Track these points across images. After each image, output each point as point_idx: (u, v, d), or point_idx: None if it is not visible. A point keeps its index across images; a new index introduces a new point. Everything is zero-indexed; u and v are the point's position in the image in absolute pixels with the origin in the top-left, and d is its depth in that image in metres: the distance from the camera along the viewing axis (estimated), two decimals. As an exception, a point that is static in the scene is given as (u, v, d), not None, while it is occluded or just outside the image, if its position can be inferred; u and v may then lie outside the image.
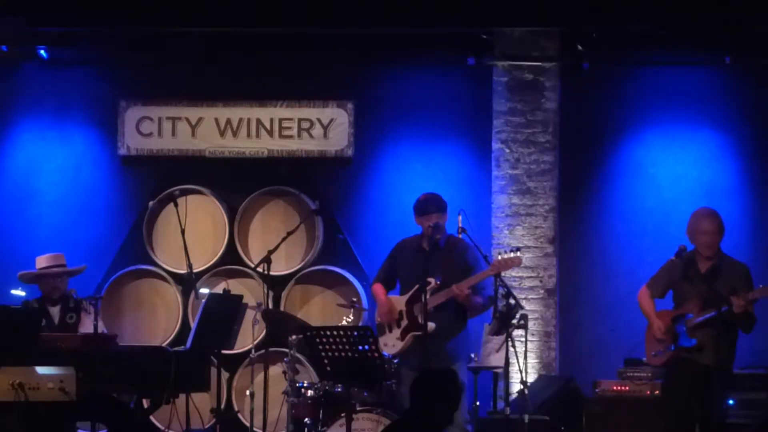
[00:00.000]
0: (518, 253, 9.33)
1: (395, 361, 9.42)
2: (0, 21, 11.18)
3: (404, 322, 9.23)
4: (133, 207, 12.02)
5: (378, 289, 9.52)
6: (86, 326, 10.06)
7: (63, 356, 8.57)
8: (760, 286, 9.23)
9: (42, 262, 10.33)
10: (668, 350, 9.26)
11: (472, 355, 10.46)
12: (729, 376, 9.31)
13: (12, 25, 11.23)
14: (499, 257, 9.26)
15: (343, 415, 9.25)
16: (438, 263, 9.17)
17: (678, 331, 9.21)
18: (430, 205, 9.32)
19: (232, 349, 10.06)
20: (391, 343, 9.10)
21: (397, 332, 9.24)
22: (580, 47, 11.52)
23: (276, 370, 10.64)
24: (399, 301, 9.31)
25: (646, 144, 11.74)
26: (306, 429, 9.81)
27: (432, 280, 9.09)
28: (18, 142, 12.11)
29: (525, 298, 11.32)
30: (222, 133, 11.98)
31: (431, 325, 9.03)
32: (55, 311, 10.15)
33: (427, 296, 8.99)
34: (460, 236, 9.88)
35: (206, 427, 10.36)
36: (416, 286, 9.16)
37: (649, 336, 9.42)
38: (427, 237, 9.27)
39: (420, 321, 9.10)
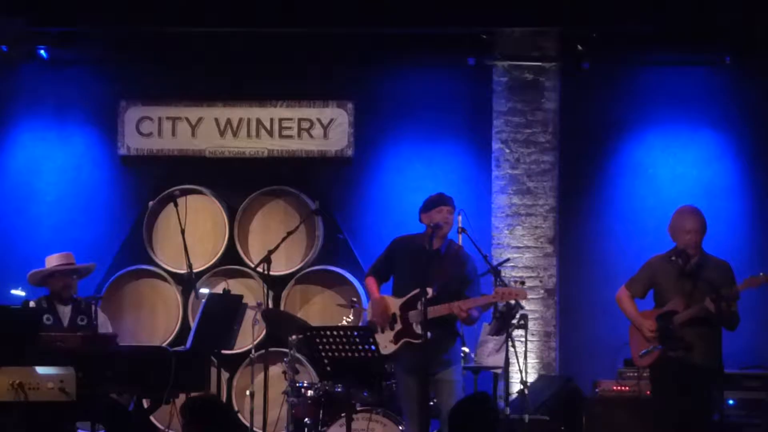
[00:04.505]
0: (524, 287, 9.35)
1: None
2: (0, 21, 11.19)
3: (398, 326, 9.14)
4: (133, 207, 12.03)
5: (371, 283, 9.41)
6: (104, 328, 10.05)
7: (63, 356, 8.57)
8: (746, 277, 9.23)
9: (53, 261, 10.29)
10: (655, 350, 9.23)
11: (472, 355, 10.45)
12: (720, 375, 9.29)
13: (12, 25, 11.23)
14: (504, 287, 9.17)
15: (343, 415, 9.25)
16: (437, 271, 9.08)
17: (664, 330, 9.18)
18: (445, 198, 9.21)
19: (232, 349, 10.06)
20: (383, 345, 9.04)
21: (390, 335, 9.16)
22: (580, 47, 11.51)
23: (276, 370, 10.64)
24: (394, 303, 9.20)
25: (646, 144, 11.75)
26: (306, 429, 9.82)
27: (429, 290, 8.98)
28: (18, 142, 12.12)
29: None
30: (222, 133, 11.98)
31: (428, 334, 8.95)
32: (65, 311, 10.08)
33: (425, 306, 8.89)
34: (460, 236, 9.87)
35: (206, 426, 10.34)
36: (413, 293, 9.08)
37: (634, 336, 9.38)
38: (428, 236, 9.19)
39: (415, 329, 9.05)
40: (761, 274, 9.16)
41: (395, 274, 9.34)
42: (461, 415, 6.66)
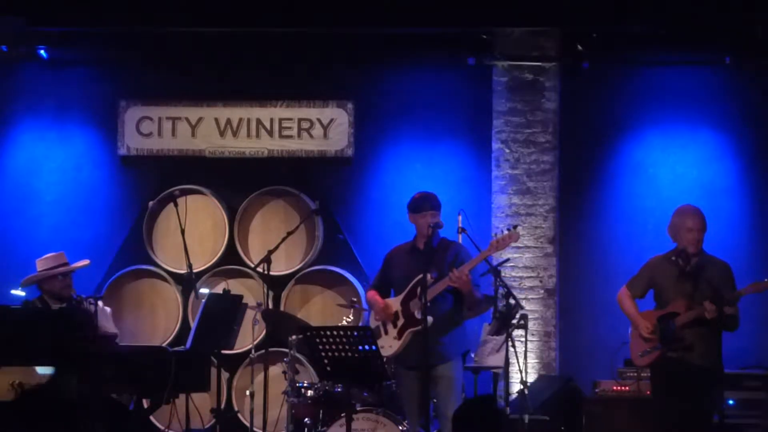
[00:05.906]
0: (515, 229, 9.18)
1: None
2: (0, 21, 11.19)
3: (400, 322, 9.16)
4: (133, 207, 12.02)
5: (373, 294, 9.46)
6: (108, 321, 10.04)
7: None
8: (750, 282, 9.22)
9: (47, 262, 10.28)
10: (655, 350, 9.24)
11: (472, 355, 10.45)
12: (720, 375, 9.30)
13: (12, 25, 11.23)
14: (495, 236, 9.15)
15: (343, 415, 9.25)
16: (431, 261, 9.10)
17: (665, 331, 9.18)
18: (425, 202, 9.24)
19: (232, 349, 10.06)
20: (388, 344, 9.06)
21: (393, 332, 9.18)
22: (580, 47, 11.51)
23: (276, 370, 10.64)
24: (394, 302, 9.26)
25: (646, 144, 11.74)
26: (306, 429, 9.81)
27: (428, 275, 8.99)
28: (18, 142, 12.11)
29: (525, 298, 11.33)
30: (222, 133, 11.98)
31: (429, 319, 8.93)
32: None
33: (424, 289, 8.88)
34: (460, 236, 9.87)
35: (206, 427, 10.36)
36: (412, 283, 9.09)
37: (635, 336, 9.39)
38: (423, 236, 9.19)
39: (417, 316, 9.05)
40: (766, 280, 9.16)
41: (393, 281, 9.36)
42: (466, 418, 6.65)
